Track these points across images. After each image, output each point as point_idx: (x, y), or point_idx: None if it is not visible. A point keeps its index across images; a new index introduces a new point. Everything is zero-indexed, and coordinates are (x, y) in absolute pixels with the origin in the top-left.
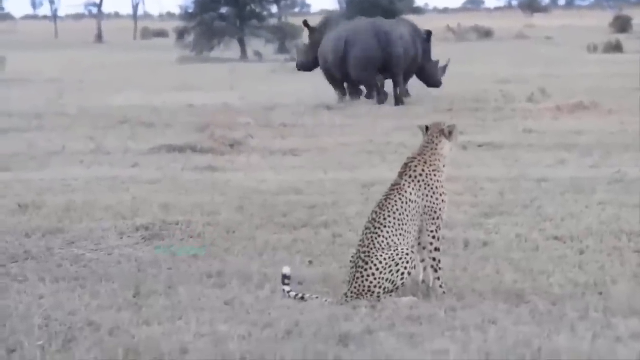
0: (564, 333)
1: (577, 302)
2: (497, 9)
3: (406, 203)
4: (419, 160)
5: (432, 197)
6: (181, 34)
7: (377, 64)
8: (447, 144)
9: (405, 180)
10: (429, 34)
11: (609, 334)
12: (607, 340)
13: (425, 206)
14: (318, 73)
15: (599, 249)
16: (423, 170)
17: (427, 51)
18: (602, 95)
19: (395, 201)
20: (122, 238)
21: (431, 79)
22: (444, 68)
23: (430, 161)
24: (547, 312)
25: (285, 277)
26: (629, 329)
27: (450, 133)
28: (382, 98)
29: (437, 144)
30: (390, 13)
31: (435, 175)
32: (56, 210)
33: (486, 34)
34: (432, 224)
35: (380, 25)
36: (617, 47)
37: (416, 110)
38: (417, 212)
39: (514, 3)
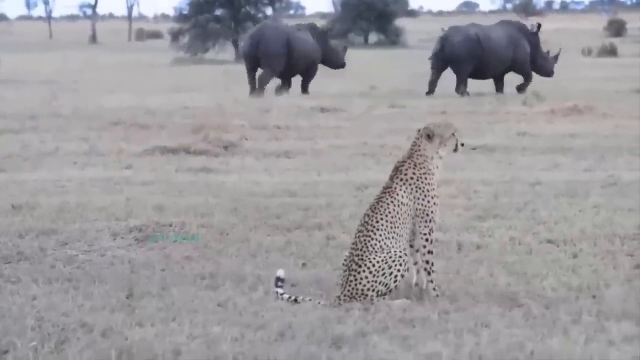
0: (557, 336)
1: (570, 305)
2: (492, 12)
3: (398, 206)
4: (409, 164)
5: (423, 199)
6: (175, 35)
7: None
8: (429, 146)
9: (397, 183)
10: (538, 26)
11: (602, 337)
12: (600, 344)
13: (417, 209)
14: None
15: (593, 253)
16: (414, 173)
17: (536, 44)
18: (596, 99)
19: (387, 204)
20: (115, 239)
21: (543, 69)
22: (556, 57)
23: (420, 164)
24: (540, 315)
25: (278, 279)
26: (621, 333)
27: (429, 136)
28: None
29: (419, 146)
30: (385, 15)
31: (426, 178)
32: (49, 211)
33: None
34: (425, 226)
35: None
36: (611, 51)
37: (410, 113)
38: (409, 214)
39: (509, 6)
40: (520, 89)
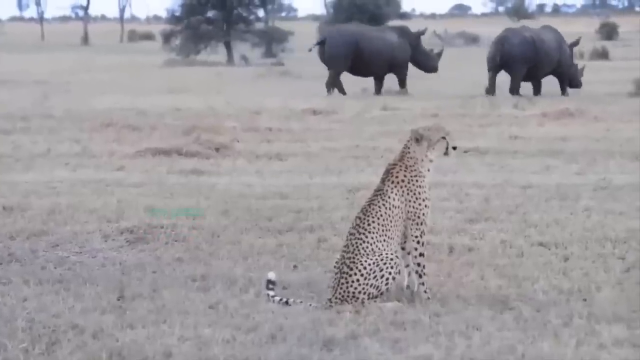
0: (548, 339)
1: (561, 308)
2: (484, 14)
3: (389, 209)
4: (400, 166)
5: (415, 202)
6: (168, 37)
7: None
8: (418, 149)
9: (388, 186)
10: (575, 43)
11: (593, 340)
12: (590, 347)
13: (408, 211)
14: (305, 78)
15: (584, 256)
16: (405, 176)
17: (570, 52)
18: (587, 102)
19: (379, 207)
20: (106, 241)
21: (573, 80)
22: (582, 70)
23: (411, 166)
24: (531, 318)
25: (269, 282)
26: (612, 336)
27: (417, 139)
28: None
29: (409, 149)
30: (377, 18)
31: (417, 181)
32: (41, 213)
33: (473, 39)
34: (417, 229)
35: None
36: (603, 54)
37: (403, 115)
38: (400, 217)
39: (501, 9)
40: (564, 91)
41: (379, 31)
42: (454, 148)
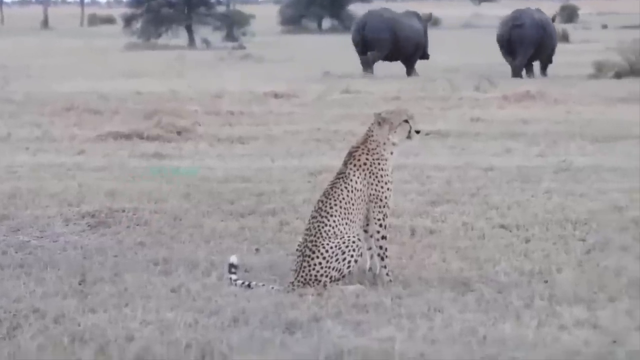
0: (509, 321)
1: (523, 290)
2: None
3: (352, 191)
4: (363, 149)
5: (377, 185)
6: (128, 20)
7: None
8: (380, 132)
9: (350, 169)
10: (553, 18)
11: (554, 321)
12: (551, 328)
13: (370, 194)
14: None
15: (545, 238)
16: (367, 159)
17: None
18: (548, 85)
19: (341, 190)
20: (67, 225)
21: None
22: None
23: (373, 149)
24: (493, 300)
25: (232, 265)
26: (573, 317)
27: (380, 123)
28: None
29: (372, 132)
30: (338, 1)
31: (379, 164)
32: (1, 197)
33: (434, 22)
34: (379, 212)
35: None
36: (563, 37)
37: (364, 99)
38: (362, 200)
39: None
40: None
41: (406, 17)
42: (417, 132)
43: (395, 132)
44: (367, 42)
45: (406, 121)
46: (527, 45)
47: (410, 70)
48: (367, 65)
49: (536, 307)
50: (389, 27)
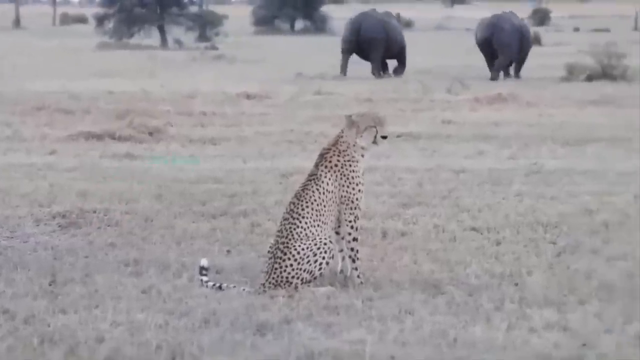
0: (480, 323)
1: (493, 292)
2: None
3: (323, 193)
4: (334, 151)
5: (348, 187)
6: (101, 20)
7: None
8: (349, 134)
9: (322, 171)
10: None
11: (524, 324)
12: (521, 331)
13: (342, 196)
14: (239, 62)
15: (515, 240)
16: (338, 161)
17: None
18: (520, 87)
19: (313, 191)
20: (38, 225)
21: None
22: None
23: (344, 151)
24: (463, 302)
25: (202, 268)
26: (543, 320)
27: (348, 125)
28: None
29: (343, 133)
30: (311, 2)
31: (350, 165)
32: None
33: (407, 24)
34: (350, 214)
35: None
36: (535, 40)
37: (336, 100)
38: (334, 202)
39: None
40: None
41: (390, 17)
42: (383, 137)
43: (361, 135)
44: (362, 43)
45: (373, 126)
46: (508, 49)
47: (400, 71)
48: (375, 68)
49: (506, 310)
50: (384, 28)
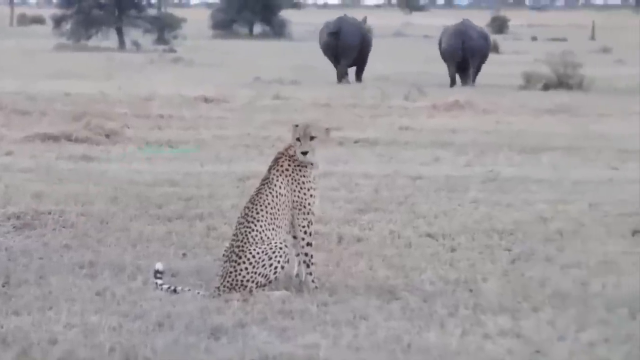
0: (434, 329)
1: (448, 298)
2: (377, 6)
3: (276, 197)
4: (286, 156)
5: (299, 191)
6: (58, 21)
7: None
8: (296, 144)
9: (274, 174)
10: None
11: (478, 330)
12: (476, 337)
13: (294, 201)
14: (197, 65)
15: (471, 247)
16: (289, 165)
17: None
18: (477, 95)
19: (266, 195)
20: None
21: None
22: None
23: (294, 156)
24: (418, 308)
25: (157, 272)
26: (497, 326)
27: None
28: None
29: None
30: (270, 7)
31: (300, 170)
32: None
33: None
34: (303, 219)
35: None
36: (493, 48)
37: (294, 105)
38: (287, 206)
39: (393, 1)
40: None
41: (363, 23)
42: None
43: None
44: (340, 48)
45: (298, 139)
46: (477, 57)
47: (360, 75)
48: (341, 73)
49: (461, 316)
50: (360, 34)
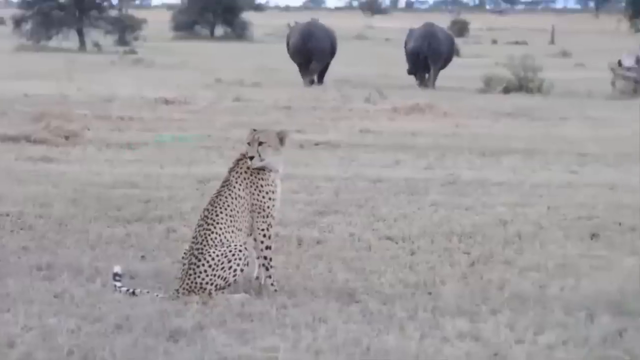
0: (393, 332)
1: (407, 301)
2: (338, 8)
3: (236, 199)
4: (245, 158)
5: (258, 195)
6: (18, 22)
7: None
8: (247, 148)
9: (233, 177)
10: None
11: (437, 333)
12: (434, 340)
13: (253, 204)
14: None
15: (430, 250)
16: (248, 168)
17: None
18: (438, 98)
19: (226, 197)
20: None
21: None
22: None
23: None
24: (377, 311)
25: (116, 275)
26: (456, 329)
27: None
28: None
29: None
30: (231, 9)
31: (259, 174)
32: None
33: None
34: (262, 222)
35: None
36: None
37: (255, 107)
38: (246, 208)
39: (355, 3)
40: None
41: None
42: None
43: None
44: (311, 51)
45: (249, 144)
46: (441, 59)
47: (322, 78)
48: (311, 76)
49: (420, 319)
50: (330, 37)
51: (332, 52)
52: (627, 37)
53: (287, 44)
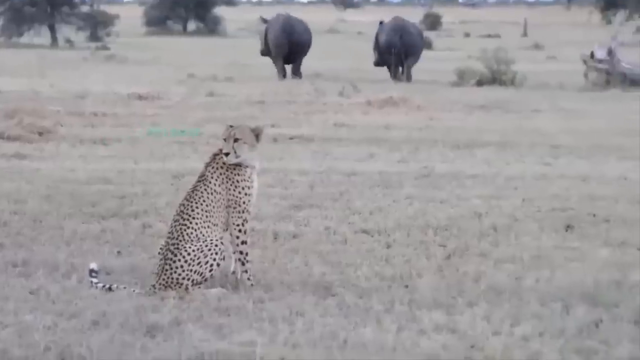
0: (370, 325)
1: (383, 294)
2: (311, 2)
3: (212, 194)
4: (223, 154)
5: (234, 190)
6: None
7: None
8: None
9: (209, 172)
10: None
11: (413, 326)
12: (411, 332)
13: (229, 199)
14: (130, 62)
15: (406, 243)
16: (224, 163)
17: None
18: (411, 91)
19: (202, 192)
20: None
21: None
22: None
23: None
24: (354, 304)
25: (92, 271)
26: (432, 322)
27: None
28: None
29: None
30: (204, 4)
31: (235, 169)
32: None
33: None
34: (238, 217)
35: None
36: (426, 44)
37: (228, 102)
38: (222, 203)
39: None
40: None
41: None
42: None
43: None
44: (294, 46)
45: (225, 139)
46: (416, 51)
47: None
48: (284, 71)
49: (396, 312)
50: (309, 31)
51: (309, 47)
52: (599, 29)
53: (265, 38)
